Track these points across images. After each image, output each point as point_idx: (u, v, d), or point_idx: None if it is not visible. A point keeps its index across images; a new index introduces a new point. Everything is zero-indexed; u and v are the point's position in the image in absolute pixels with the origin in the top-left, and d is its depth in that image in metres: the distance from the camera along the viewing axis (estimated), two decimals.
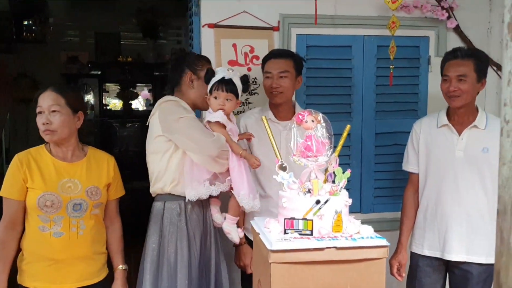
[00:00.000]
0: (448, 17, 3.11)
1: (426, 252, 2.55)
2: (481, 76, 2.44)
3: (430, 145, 2.56)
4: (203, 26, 2.91)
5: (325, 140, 1.71)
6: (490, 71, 3.26)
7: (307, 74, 2.96)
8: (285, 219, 1.59)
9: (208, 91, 2.28)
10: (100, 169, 2.25)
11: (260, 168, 2.52)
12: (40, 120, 2.10)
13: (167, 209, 2.31)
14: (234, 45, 2.92)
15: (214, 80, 2.23)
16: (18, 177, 2.10)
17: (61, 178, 2.13)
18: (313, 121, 1.71)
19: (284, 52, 2.60)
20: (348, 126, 1.88)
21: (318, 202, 1.59)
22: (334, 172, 1.72)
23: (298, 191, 1.66)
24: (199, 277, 2.31)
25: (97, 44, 6.60)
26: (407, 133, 3.13)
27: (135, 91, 6.83)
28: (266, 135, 2.49)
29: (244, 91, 2.30)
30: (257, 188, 2.56)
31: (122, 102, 6.79)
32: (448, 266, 2.55)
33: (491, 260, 2.44)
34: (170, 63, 2.72)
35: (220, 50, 2.90)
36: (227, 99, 2.21)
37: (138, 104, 7.12)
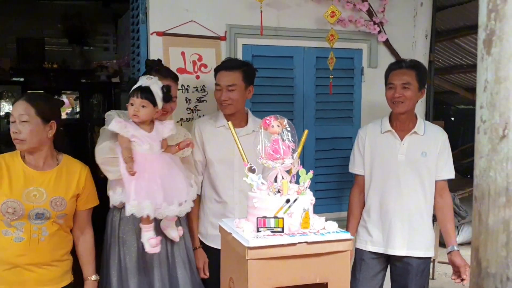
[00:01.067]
0: (379, 32, 3.38)
1: (370, 248, 2.75)
2: (421, 85, 2.71)
3: (375, 149, 2.77)
4: (151, 34, 2.95)
5: (290, 143, 1.83)
6: None
7: None
8: (257, 218, 1.69)
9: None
10: (70, 180, 2.25)
11: (214, 174, 2.61)
12: (11, 129, 2.12)
13: (108, 218, 2.43)
14: (183, 53, 2.99)
15: (133, 88, 2.26)
16: None
17: (28, 186, 2.13)
18: (278, 125, 1.83)
19: (234, 64, 2.65)
20: (306, 131, 2.02)
21: (288, 201, 1.70)
22: (297, 173, 1.85)
23: (268, 192, 1.77)
24: (141, 282, 2.36)
25: (19, 49, 6.32)
26: (344, 138, 3.37)
27: (61, 99, 6.59)
28: (220, 142, 2.59)
29: (164, 101, 2.30)
30: (212, 194, 2.64)
31: None
32: (390, 260, 2.77)
33: (428, 254, 2.72)
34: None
35: (168, 58, 2.96)
36: (142, 106, 2.21)
37: (69, 109, 6.92)
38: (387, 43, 3.46)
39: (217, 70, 2.67)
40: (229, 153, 2.61)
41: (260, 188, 1.79)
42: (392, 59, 3.39)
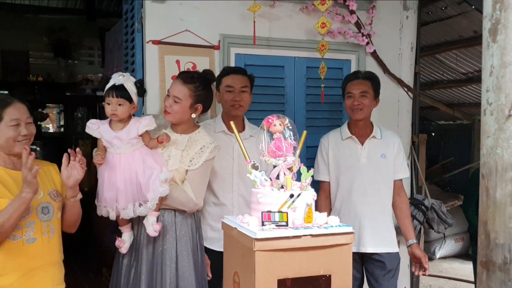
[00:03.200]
0: (367, 43, 3.50)
1: None
2: (376, 95, 2.93)
3: (338, 156, 2.93)
4: (147, 42, 3.00)
5: (292, 142, 1.90)
6: (401, 92, 3.71)
7: None
8: (262, 212, 1.73)
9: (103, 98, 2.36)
10: (51, 175, 2.27)
11: (213, 177, 2.65)
12: (16, 131, 2.09)
13: None
14: (178, 62, 3.05)
15: (106, 87, 2.33)
16: None
17: (21, 185, 2.09)
18: (280, 124, 1.89)
19: (242, 69, 2.84)
20: (305, 132, 2.09)
21: (292, 196, 1.76)
22: (298, 171, 1.91)
23: (272, 188, 1.82)
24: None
25: (4, 62, 6.31)
26: None
27: (45, 111, 6.58)
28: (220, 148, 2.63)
29: (139, 95, 2.37)
30: (211, 197, 2.68)
31: None
32: (364, 259, 2.91)
33: (395, 249, 2.90)
34: None
35: (164, 65, 3.01)
36: (119, 104, 2.28)
37: (48, 125, 6.87)
38: (374, 54, 3.57)
39: (227, 73, 2.78)
40: (228, 157, 2.69)
41: (263, 184, 1.84)
42: (379, 70, 3.51)
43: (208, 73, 2.53)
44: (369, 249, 2.84)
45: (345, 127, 2.98)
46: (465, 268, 5.95)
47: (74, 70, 6.78)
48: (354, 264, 2.80)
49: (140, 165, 2.28)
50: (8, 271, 2.05)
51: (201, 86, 2.44)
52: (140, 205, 2.27)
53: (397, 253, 2.93)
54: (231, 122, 2.04)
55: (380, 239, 2.85)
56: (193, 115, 2.45)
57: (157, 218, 2.35)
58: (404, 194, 3.00)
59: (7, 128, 2.08)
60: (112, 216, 2.29)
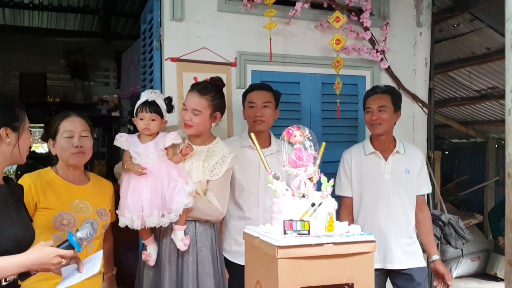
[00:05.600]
0: (381, 59, 3.53)
1: None
2: (397, 108, 2.92)
3: (362, 171, 2.92)
4: (165, 60, 3.06)
5: (312, 152, 1.92)
6: (416, 108, 3.72)
7: None
8: (284, 221, 1.75)
9: (134, 113, 2.44)
10: (104, 194, 2.36)
11: (239, 191, 2.68)
12: (69, 142, 2.17)
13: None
14: (195, 78, 3.09)
15: (138, 102, 2.41)
16: (27, 197, 2.07)
17: (73, 198, 2.21)
18: (301, 135, 1.92)
19: (266, 86, 2.88)
20: (324, 143, 2.11)
21: (313, 204, 1.77)
22: (318, 182, 1.93)
23: (293, 197, 1.84)
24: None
25: (22, 84, 6.43)
26: None
27: None
28: (246, 161, 2.66)
29: (168, 111, 2.47)
30: (236, 211, 2.71)
31: (47, 144, 6.58)
32: (390, 274, 2.88)
33: (423, 263, 2.88)
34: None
35: (182, 82, 3.07)
36: (151, 120, 2.37)
37: None
38: (388, 70, 3.60)
39: (248, 91, 2.85)
40: (254, 171, 2.73)
41: (284, 194, 1.86)
42: (394, 86, 3.53)
43: (217, 80, 2.59)
44: (396, 265, 2.81)
45: (367, 142, 2.97)
46: None
47: (90, 91, 6.88)
48: (377, 279, 2.80)
49: (165, 177, 2.34)
50: (46, 278, 2.08)
51: (217, 94, 2.50)
52: (163, 215, 2.30)
53: (425, 267, 2.90)
54: (251, 134, 2.08)
55: (407, 255, 2.82)
56: (213, 124, 2.51)
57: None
58: (427, 210, 2.98)
59: (62, 140, 2.20)
60: (137, 225, 2.30)
